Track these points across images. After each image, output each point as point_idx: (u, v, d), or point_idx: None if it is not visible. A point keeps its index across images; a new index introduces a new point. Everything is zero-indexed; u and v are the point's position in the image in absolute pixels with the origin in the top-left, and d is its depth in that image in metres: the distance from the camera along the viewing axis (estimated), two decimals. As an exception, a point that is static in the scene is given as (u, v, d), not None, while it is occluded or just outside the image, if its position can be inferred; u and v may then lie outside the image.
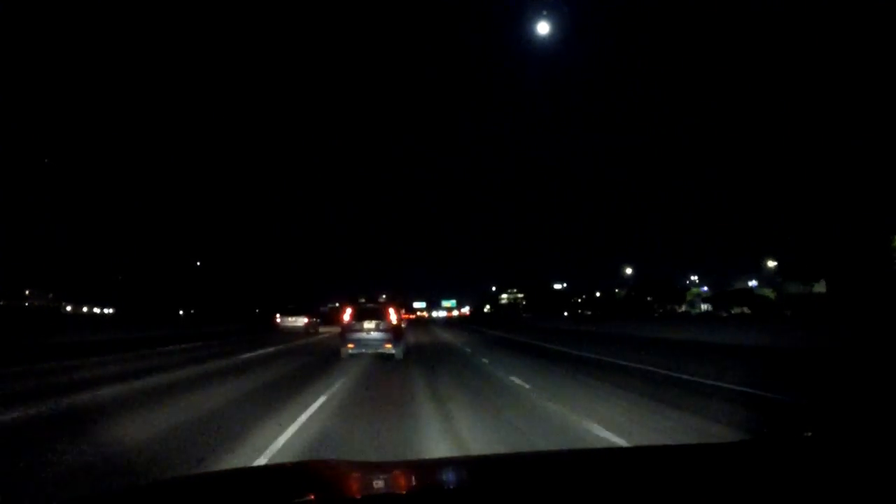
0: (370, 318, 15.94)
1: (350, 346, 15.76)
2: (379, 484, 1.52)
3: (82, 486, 4.12)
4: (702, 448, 2.54)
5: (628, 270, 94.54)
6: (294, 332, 31.92)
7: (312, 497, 1.35)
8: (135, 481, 3.97)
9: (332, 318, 38.62)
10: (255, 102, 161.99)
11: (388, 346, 15.56)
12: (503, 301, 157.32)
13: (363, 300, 16.91)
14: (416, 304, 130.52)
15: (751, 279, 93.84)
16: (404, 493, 1.50)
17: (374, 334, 15.76)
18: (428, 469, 1.95)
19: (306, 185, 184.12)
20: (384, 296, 19.76)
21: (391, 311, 16.14)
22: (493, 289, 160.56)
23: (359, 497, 1.41)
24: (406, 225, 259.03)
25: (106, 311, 74.73)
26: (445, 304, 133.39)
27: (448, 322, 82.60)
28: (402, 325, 19.11)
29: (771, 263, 78.88)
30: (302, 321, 34.01)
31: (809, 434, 2.48)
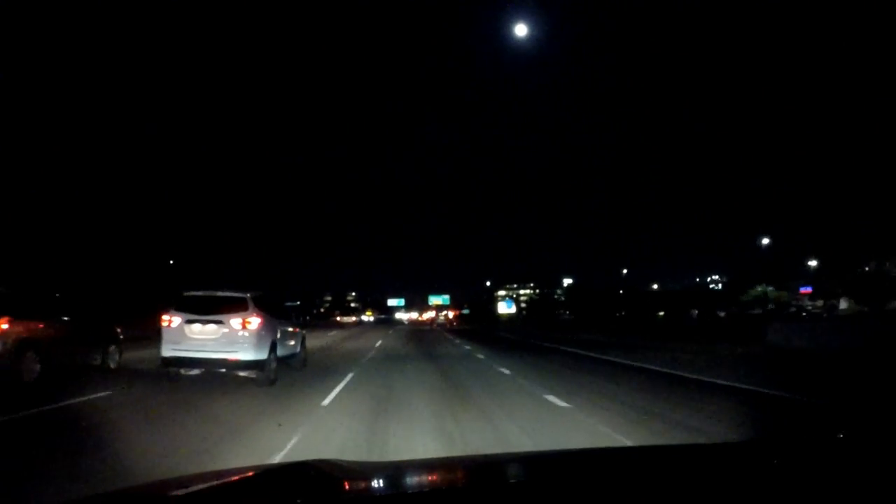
0: (439, 313, 59.28)
1: (435, 325, 60.03)
2: (379, 484, 1.57)
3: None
4: (704, 448, 2.58)
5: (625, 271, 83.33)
6: (348, 324, 55.91)
7: (312, 497, 1.38)
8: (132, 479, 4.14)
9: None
10: (238, 94, 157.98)
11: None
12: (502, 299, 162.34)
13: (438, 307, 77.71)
14: (391, 302, 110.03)
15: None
16: (404, 493, 1.54)
17: (442, 320, 71.64)
18: (428, 469, 1.99)
19: (291, 181, 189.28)
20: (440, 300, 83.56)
21: (448, 312, 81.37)
22: (488, 284, 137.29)
23: (359, 497, 1.44)
24: (387, 218, 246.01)
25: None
26: (435, 300, 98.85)
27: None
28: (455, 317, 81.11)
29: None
30: (353, 318, 58.39)
31: (812, 434, 2.64)
